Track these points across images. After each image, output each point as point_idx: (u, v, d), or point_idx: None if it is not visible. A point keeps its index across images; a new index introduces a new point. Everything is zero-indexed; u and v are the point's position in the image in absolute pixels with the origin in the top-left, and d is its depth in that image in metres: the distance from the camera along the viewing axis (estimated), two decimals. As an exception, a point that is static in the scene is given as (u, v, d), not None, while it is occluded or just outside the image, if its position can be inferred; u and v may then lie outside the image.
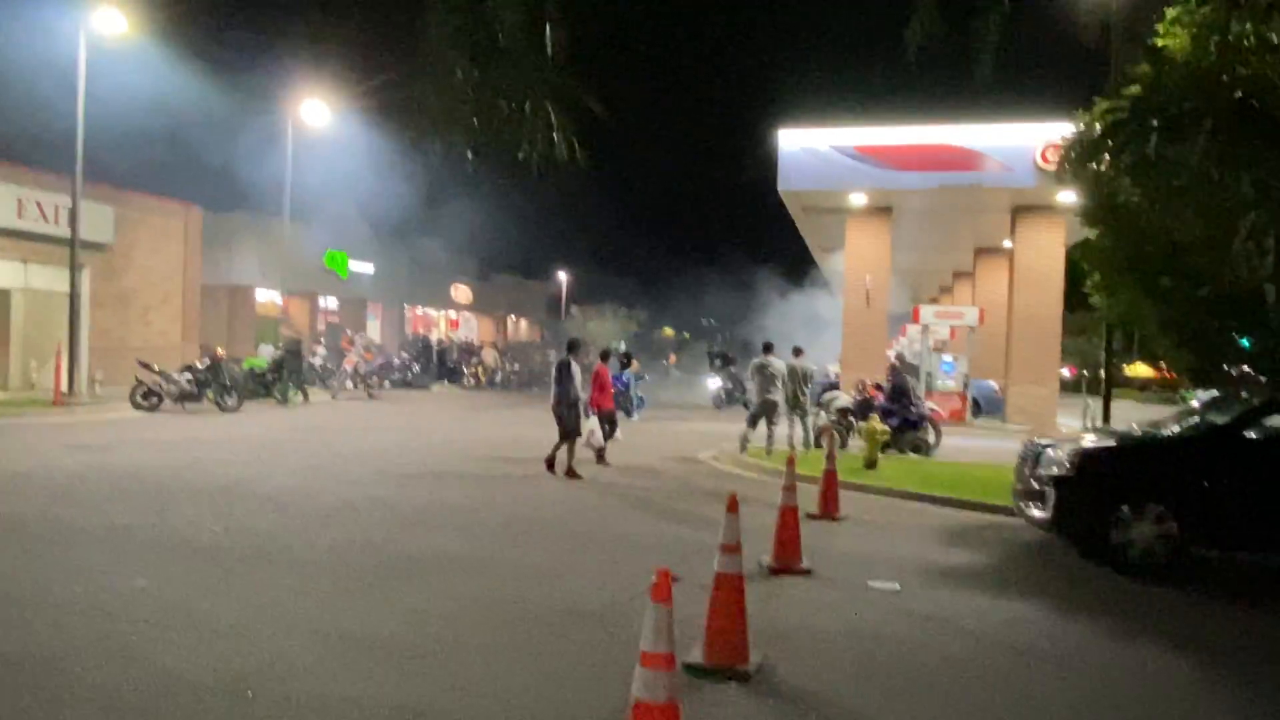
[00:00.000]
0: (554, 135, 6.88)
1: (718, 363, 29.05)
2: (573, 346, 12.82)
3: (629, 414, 21.55)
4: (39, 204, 21.14)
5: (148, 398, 18.74)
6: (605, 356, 14.52)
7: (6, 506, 8.47)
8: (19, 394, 21.64)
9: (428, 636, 5.32)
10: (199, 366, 19.73)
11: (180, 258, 26.44)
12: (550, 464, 12.01)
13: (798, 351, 15.97)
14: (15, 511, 8.26)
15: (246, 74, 34.38)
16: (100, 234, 22.69)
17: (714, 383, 27.89)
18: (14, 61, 18.04)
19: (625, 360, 23.20)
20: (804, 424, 15.54)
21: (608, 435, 13.62)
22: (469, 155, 7.12)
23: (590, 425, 13.21)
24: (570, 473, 11.79)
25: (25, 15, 16.78)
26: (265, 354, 22.47)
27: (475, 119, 6.70)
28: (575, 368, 12.24)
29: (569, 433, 11.94)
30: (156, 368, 19.37)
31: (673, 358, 59.90)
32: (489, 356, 36.43)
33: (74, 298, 19.82)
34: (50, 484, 9.85)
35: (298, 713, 4.15)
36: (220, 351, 21.14)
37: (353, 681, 4.56)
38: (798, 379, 15.29)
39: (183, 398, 19.08)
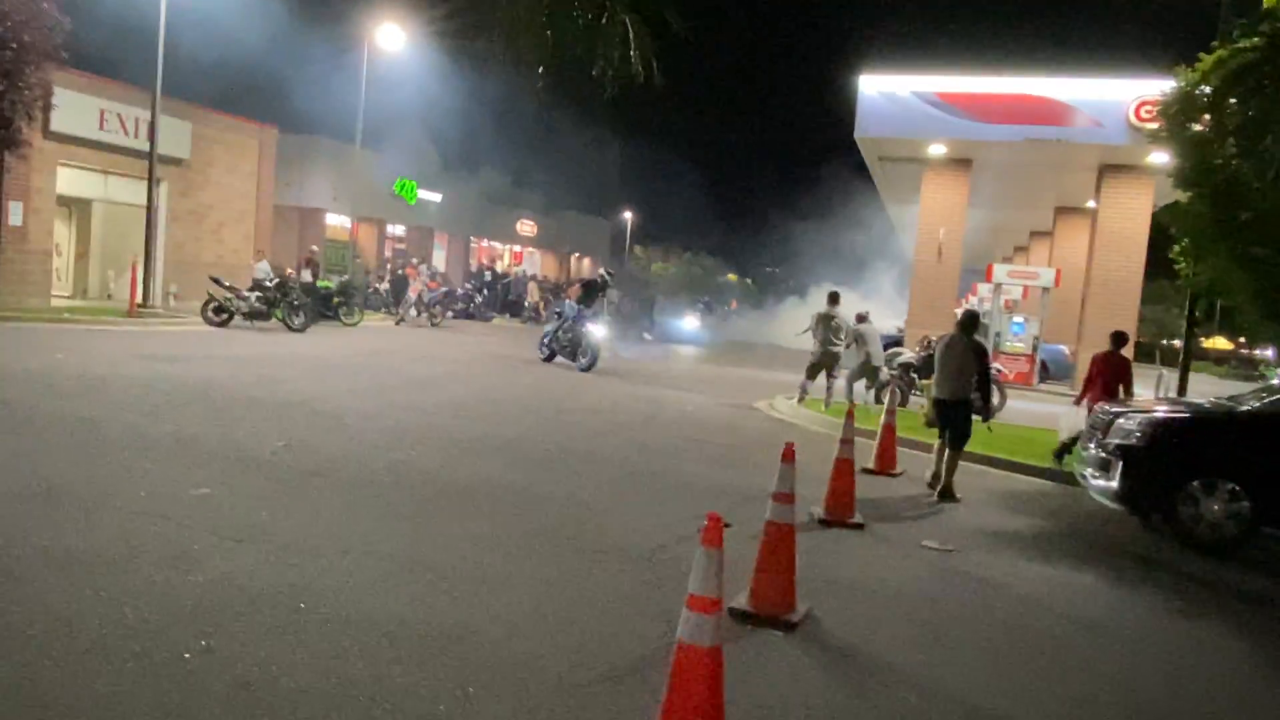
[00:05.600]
0: (630, 52, 6.63)
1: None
2: (970, 323, 9.27)
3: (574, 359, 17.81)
4: (120, 116, 21.50)
5: (219, 313, 19.18)
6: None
7: (82, 409, 8.75)
8: (97, 302, 22.36)
9: (475, 564, 5.37)
10: (268, 285, 20.12)
11: (254, 177, 26.77)
12: (936, 485, 8.99)
13: (834, 299, 15.02)
14: (89, 414, 8.53)
15: (325, -4, 34.44)
16: (177, 149, 23.06)
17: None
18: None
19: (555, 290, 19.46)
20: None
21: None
22: (539, 71, 6.88)
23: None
24: (949, 491, 8.88)
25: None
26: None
27: (549, 31, 6.46)
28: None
29: (962, 438, 9.00)
30: (228, 284, 19.79)
31: (734, 303, 60.14)
32: (534, 292, 36.32)
33: (151, 210, 20.26)
34: (122, 391, 10.14)
35: (346, 627, 4.23)
36: (289, 271, 21.52)
37: (402, 602, 4.62)
38: (830, 328, 14.66)
39: (252, 315, 19.50)
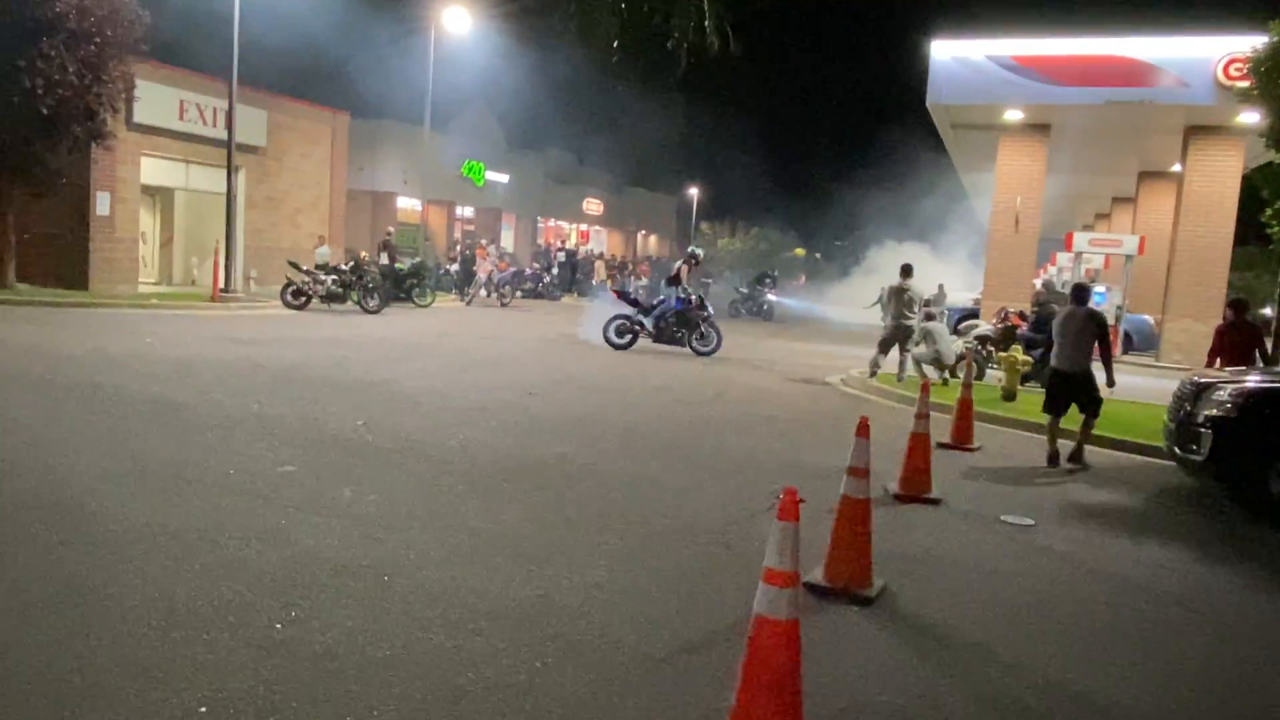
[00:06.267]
0: (705, 23, 6.53)
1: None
2: (1082, 294, 9.36)
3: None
4: (198, 106, 22.13)
5: (297, 297, 19.70)
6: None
7: (171, 390, 9.09)
8: (181, 288, 23.13)
9: (550, 539, 5.44)
10: (344, 268, 20.58)
11: (328, 162, 27.33)
12: (1056, 464, 9.00)
13: (907, 271, 14.59)
14: (178, 395, 8.86)
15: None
16: (254, 137, 23.65)
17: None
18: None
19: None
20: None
21: None
22: (614, 46, 6.81)
23: None
24: (1077, 457, 9.11)
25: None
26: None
27: (623, 5, 6.41)
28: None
29: (1095, 403, 9.20)
30: (305, 268, 20.29)
31: (802, 278, 59.47)
32: (600, 270, 36.64)
33: (230, 198, 20.85)
34: (208, 372, 10.50)
35: (429, 600, 4.33)
36: (364, 255, 21.96)
37: (480, 575, 4.72)
38: (903, 301, 14.38)
39: (329, 298, 19.99)
